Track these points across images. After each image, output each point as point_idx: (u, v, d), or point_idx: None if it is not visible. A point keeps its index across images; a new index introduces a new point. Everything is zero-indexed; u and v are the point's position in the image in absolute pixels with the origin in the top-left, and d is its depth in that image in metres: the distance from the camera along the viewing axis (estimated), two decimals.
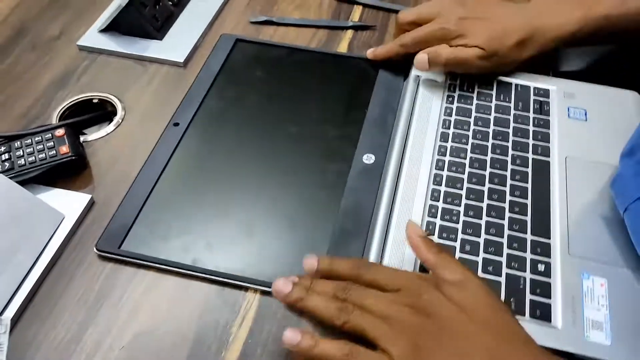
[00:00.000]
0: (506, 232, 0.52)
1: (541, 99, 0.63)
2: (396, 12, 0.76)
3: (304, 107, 0.64)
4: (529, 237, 0.51)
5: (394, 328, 0.39)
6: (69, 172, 0.58)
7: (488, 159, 0.57)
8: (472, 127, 0.60)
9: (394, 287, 0.41)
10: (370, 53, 0.67)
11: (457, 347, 0.38)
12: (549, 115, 0.61)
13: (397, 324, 0.39)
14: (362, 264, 0.43)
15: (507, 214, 0.53)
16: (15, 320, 0.48)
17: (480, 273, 0.49)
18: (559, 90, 0.63)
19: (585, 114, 0.61)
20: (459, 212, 0.53)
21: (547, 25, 0.59)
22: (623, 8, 0.60)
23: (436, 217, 0.52)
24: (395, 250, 0.50)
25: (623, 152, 0.52)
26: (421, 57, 0.60)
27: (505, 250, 0.50)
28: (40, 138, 0.58)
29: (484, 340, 0.38)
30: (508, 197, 0.54)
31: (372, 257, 0.50)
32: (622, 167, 0.51)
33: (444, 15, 0.61)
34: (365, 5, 0.77)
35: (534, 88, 0.63)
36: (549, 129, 0.60)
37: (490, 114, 0.61)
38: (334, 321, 0.40)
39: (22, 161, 0.56)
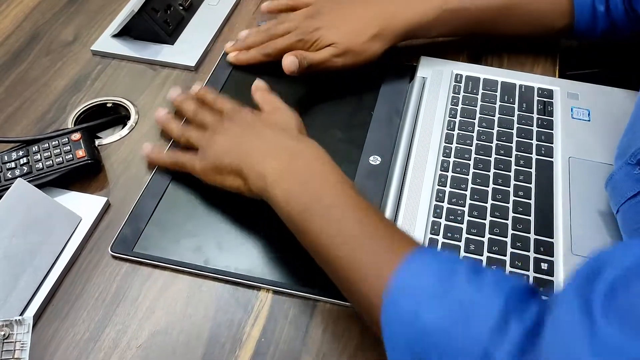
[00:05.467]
0: (510, 231, 0.53)
1: (545, 99, 0.64)
2: None
3: (311, 110, 0.65)
4: (532, 236, 0.53)
5: (206, 133, 0.56)
6: (85, 175, 0.59)
7: (492, 159, 0.58)
8: (476, 128, 0.61)
9: (227, 111, 0.57)
10: (232, 57, 0.69)
11: (238, 135, 0.54)
12: (552, 115, 0.62)
13: (209, 130, 0.56)
14: (218, 98, 0.60)
15: (511, 214, 0.54)
16: (35, 319, 0.50)
17: None
18: (563, 91, 0.64)
19: (589, 115, 0.62)
20: (464, 212, 0.54)
21: (402, 16, 0.64)
22: (483, 2, 0.64)
23: (441, 217, 0.54)
24: None
25: (616, 153, 0.53)
26: (291, 59, 0.63)
27: (509, 250, 0.52)
28: (57, 142, 0.59)
29: (261, 129, 0.54)
30: (512, 197, 0.55)
31: None
32: (615, 168, 0.52)
33: (302, 26, 0.65)
34: None
35: (538, 89, 0.65)
36: (552, 129, 0.61)
37: (494, 115, 0.62)
38: (179, 139, 0.59)
39: (39, 165, 0.58)
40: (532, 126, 0.61)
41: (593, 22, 0.64)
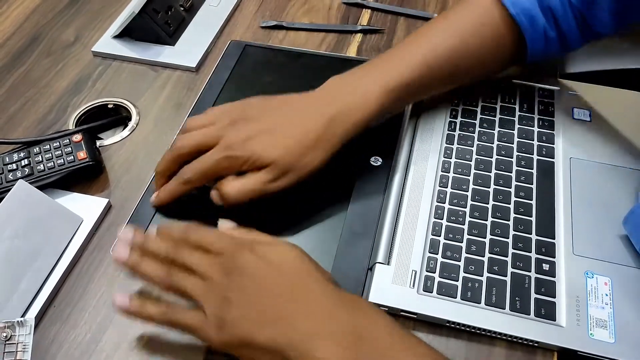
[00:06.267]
0: (511, 232, 0.53)
1: (546, 100, 0.64)
2: (405, 15, 0.77)
3: None
4: (533, 237, 0.52)
5: (209, 288, 0.44)
6: (87, 176, 0.59)
7: (493, 160, 0.58)
8: (477, 129, 0.61)
9: (216, 250, 0.46)
10: (153, 199, 0.56)
11: (259, 293, 0.43)
12: (553, 116, 0.62)
13: (212, 284, 0.44)
14: (191, 227, 0.48)
15: (512, 215, 0.54)
16: (37, 321, 0.50)
17: (485, 272, 0.50)
18: (564, 91, 0.64)
19: (590, 115, 0.62)
20: (465, 212, 0.54)
21: (346, 112, 0.53)
22: (424, 68, 0.56)
23: (442, 218, 0.54)
24: (404, 250, 0.52)
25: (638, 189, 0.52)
26: (213, 199, 0.53)
27: (511, 250, 0.52)
28: (58, 144, 0.59)
29: (284, 283, 0.44)
30: (513, 198, 0.55)
31: (380, 257, 0.51)
32: (636, 204, 0.51)
33: (226, 137, 0.52)
34: (373, 9, 0.79)
35: (539, 89, 0.65)
36: (553, 130, 0.61)
37: (495, 116, 0.62)
38: (160, 284, 0.46)
39: (41, 167, 0.58)
40: (533, 127, 0.61)
41: (546, 49, 0.59)
